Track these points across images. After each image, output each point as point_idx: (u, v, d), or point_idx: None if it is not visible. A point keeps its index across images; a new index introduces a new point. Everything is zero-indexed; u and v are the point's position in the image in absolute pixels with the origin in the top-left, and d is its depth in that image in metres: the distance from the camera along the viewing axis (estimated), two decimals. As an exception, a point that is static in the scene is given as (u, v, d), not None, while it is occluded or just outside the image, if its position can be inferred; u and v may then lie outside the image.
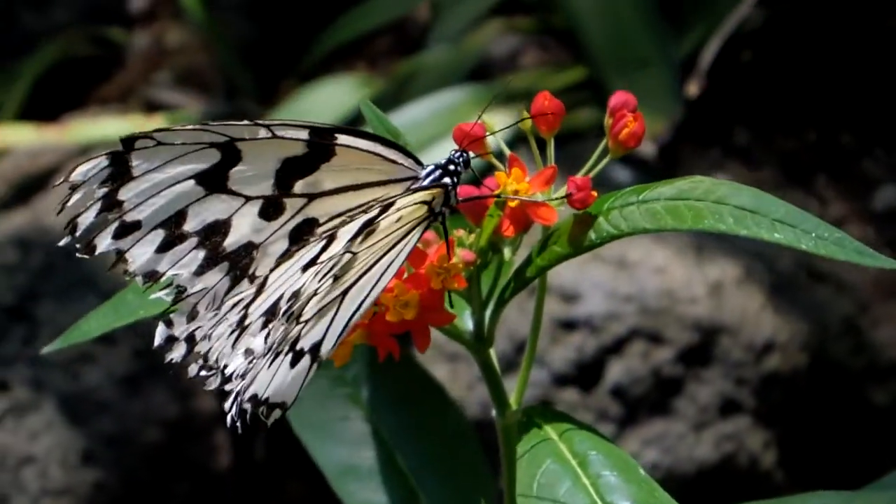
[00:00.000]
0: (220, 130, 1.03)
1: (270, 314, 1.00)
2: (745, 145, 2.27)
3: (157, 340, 1.02)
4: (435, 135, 2.14)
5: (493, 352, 1.18)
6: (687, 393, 2.07)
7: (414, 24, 2.56)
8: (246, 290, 1.03)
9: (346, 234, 1.02)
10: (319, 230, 1.06)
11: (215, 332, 1.02)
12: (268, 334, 1.00)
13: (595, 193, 1.08)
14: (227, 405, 1.00)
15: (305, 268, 1.01)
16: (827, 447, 2.09)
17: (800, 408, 2.07)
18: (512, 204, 1.08)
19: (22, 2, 2.64)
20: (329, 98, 2.25)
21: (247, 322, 1.00)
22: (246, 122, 1.03)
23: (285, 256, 1.05)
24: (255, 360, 1.00)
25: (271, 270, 1.03)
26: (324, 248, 1.01)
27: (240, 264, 1.04)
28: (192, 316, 1.02)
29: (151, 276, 1.02)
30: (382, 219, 1.02)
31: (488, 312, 1.15)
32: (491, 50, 2.35)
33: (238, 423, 1.00)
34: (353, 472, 1.36)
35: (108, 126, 2.32)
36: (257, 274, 1.04)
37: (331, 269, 1.00)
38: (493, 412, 1.18)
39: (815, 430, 2.08)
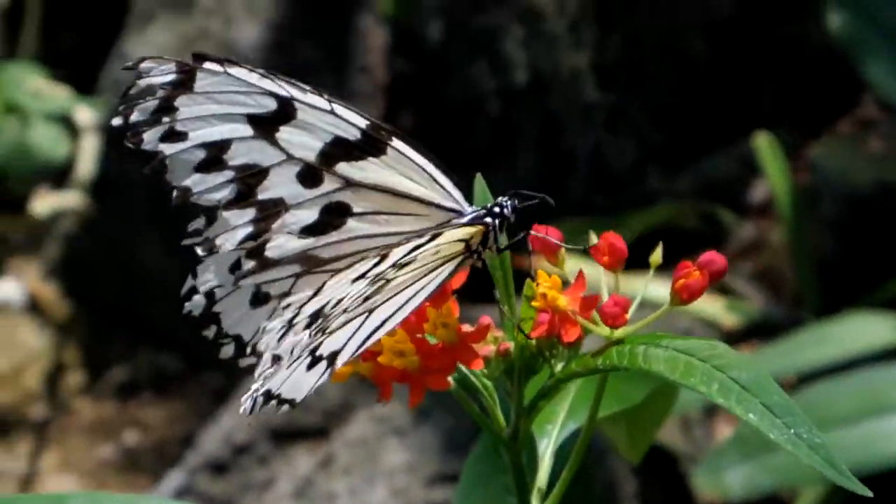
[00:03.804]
0: (285, 85, 1.13)
1: (315, 317, 1.10)
2: None
3: (184, 290, 1.15)
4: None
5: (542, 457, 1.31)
6: None
7: None
8: (301, 293, 1.14)
9: (396, 254, 1.10)
10: (376, 252, 1.13)
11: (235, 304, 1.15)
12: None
13: (627, 317, 1.16)
14: (243, 398, 1.09)
15: (355, 281, 1.10)
16: None
17: None
18: (537, 304, 1.16)
19: (654, 164, 3.03)
20: (865, 327, 2.34)
21: (295, 321, 1.11)
22: (310, 88, 1.14)
23: (314, 231, 1.15)
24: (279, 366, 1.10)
25: (330, 276, 1.13)
26: (376, 265, 1.10)
27: (266, 215, 1.14)
28: (210, 263, 1.14)
29: (185, 194, 1.13)
30: (424, 250, 1.11)
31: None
32: None
33: (249, 412, 1.08)
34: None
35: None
36: (276, 236, 1.15)
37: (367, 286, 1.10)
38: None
39: None
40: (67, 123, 3.05)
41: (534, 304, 1.17)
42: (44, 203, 3.22)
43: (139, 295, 3.20)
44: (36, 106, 2.91)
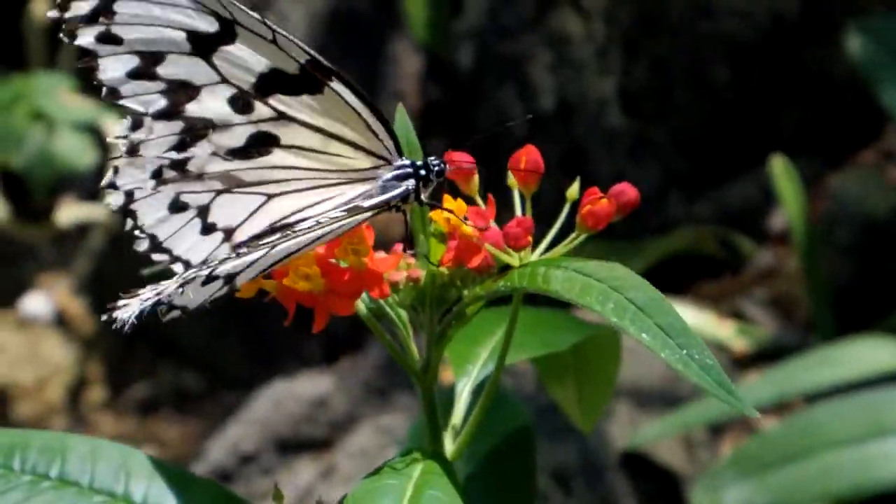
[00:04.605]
0: (230, 7, 1.13)
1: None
2: None
3: (104, 182, 1.15)
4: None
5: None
6: None
7: None
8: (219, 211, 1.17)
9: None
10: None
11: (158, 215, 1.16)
12: None
13: (530, 239, 1.16)
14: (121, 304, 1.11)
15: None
16: None
17: None
18: (444, 229, 1.17)
19: (676, 190, 3.00)
20: (871, 351, 2.29)
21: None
22: (256, 14, 1.13)
23: (239, 154, 1.16)
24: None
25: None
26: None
27: (193, 133, 1.15)
28: (133, 164, 1.15)
29: (113, 94, 1.14)
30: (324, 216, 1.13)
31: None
32: None
33: (127, 325, 1.10)
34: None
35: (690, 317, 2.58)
36: (202, 157, 1.16)
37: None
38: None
39: None
40: (100, 139, 3.09)
41: (435, 226, 1.18)
42: (68, 213, 3.26)
43: (164, 313, 3.21)
44: (62, 115, 2.96)
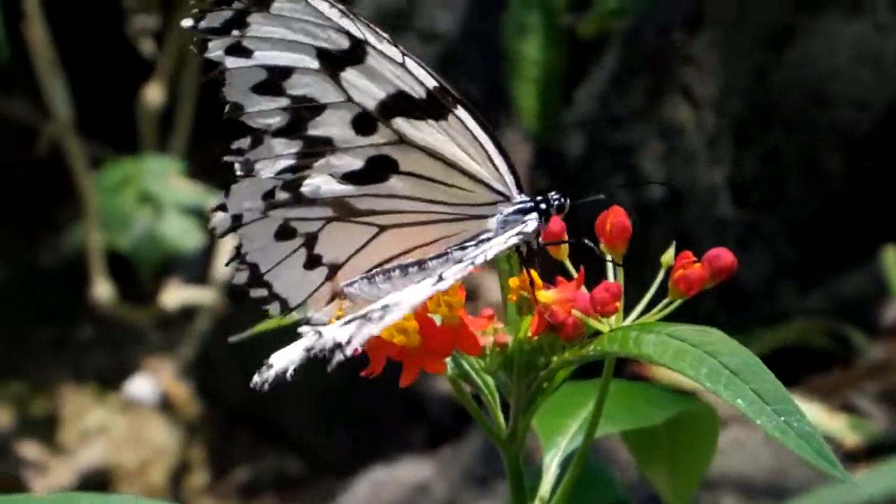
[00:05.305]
0: (362, 27, 1.10)
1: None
2: None
3: (213, 203, 1.12)
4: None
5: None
6: None
7: None
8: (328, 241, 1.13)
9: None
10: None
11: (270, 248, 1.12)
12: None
13: (619, 305, 1.12)
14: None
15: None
16: None
17: None
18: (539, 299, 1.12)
19: (786, 281, 2.93)
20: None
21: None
22: (388, 37, 1.11)
23: (356, 179, 1.13)
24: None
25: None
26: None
27: (312, 152, 1.12)
28: (246, 185, 1.12)
29: (236, 110, 1.11)
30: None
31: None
32: None
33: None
34: None
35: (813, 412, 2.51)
36: (313, 183, 1.12)
37: None
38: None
39: None
40: (206, 222, 3.09)
41: (510, 297, 1.13)
42: (174, 296, 3.26)
43: (268, 397, 3.20)
44: (170, 198, 2.97)
